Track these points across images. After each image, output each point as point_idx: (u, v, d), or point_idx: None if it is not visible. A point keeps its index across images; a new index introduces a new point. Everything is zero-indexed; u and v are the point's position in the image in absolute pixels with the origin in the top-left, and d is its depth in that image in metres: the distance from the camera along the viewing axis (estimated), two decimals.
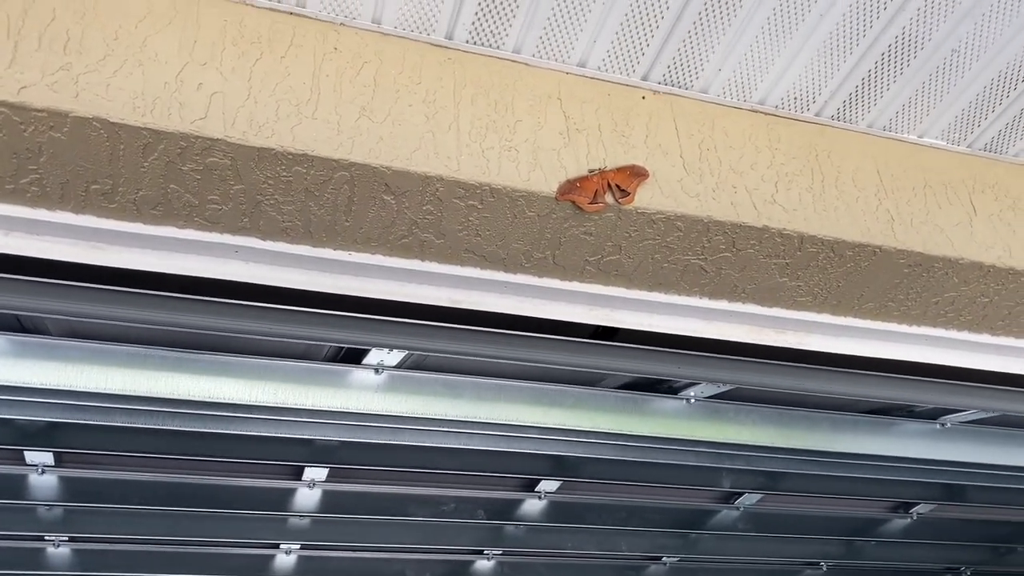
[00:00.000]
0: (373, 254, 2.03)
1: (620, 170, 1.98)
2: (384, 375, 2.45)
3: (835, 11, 2.04)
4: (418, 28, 1.99)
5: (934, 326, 2.50)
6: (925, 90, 2.28)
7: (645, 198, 2.00)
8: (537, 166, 1.94)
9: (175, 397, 2.28)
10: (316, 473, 3.19)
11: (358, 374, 2.46)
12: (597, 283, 2.20)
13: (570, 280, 2.18)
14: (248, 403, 2.35)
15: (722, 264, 2.18)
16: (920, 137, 2.40)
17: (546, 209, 1.96)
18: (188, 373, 2.28)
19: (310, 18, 1.93)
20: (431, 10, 1.96)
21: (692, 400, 2.76)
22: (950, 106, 2.33)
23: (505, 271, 2.12)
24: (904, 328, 2.48)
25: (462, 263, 2.08)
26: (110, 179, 1.77)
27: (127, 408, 2.42)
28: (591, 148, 2.02)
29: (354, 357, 2.49)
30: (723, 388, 2.67)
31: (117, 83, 1.69)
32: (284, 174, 1.80)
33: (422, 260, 2.06)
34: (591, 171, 1.97)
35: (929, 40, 2.14)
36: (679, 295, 2.27)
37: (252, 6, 1.89)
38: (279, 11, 1.91)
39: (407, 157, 1.83)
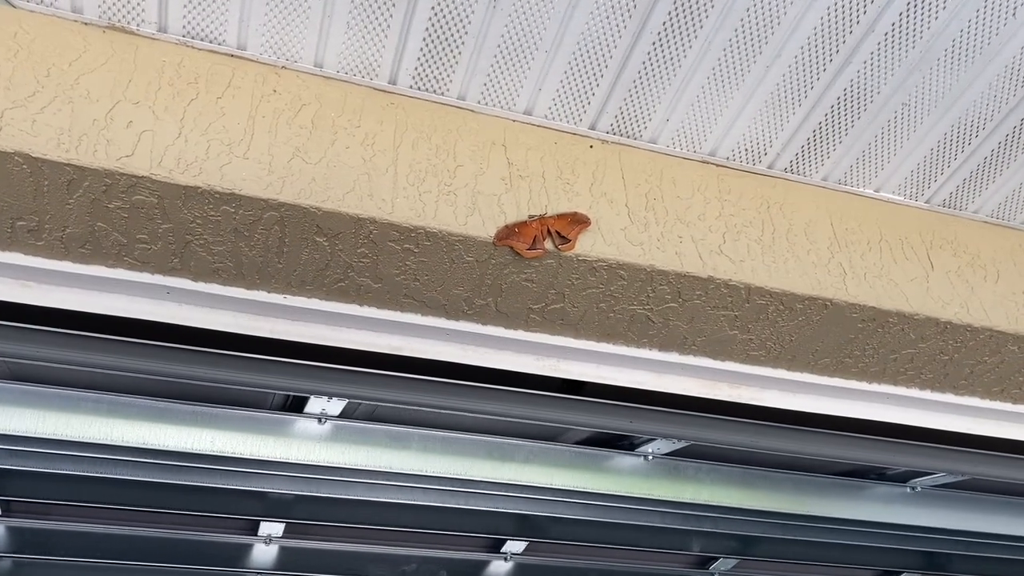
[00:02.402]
0: (309, 298, 2.00)
1: (561, 216, 1.96)
2: (328, 425, 2.39)
3: (781, 62, 2.04)
4: (361, 72, 1.99)
5: (895, 384, 2.44)
6: (878, 144, 2.26)
7: (587, 245, 1.97)
8: (475, 210, 1.91)
9: (107, 443, 2.23)
10: (272, 528, 3.10)
11: (301, 423, 2.40)
12: (543, 332, 2.16)
13: (515, 328, 2.14)
14: (185, 451, 2.29)
15: (669, 315, 2.13)
16: (876, 191, 2.38)
17: (484, 254, 1.93)
18: (122, 418, 2.22)
19: (251, 60, 1.93)
20: (373, 55, 1.96)
21: (650, 457, 2.69)
22: (904, 160, 2.31)
23: (447, 318, 2.09)
24: (864, 386, 2.42)
25: (401, 308, 2.05)
26: (36, 216, 1.75)
27: (65, 454, 2.36)
28: (533, 195, 2.00)
29: (298, 406, 2.44)
30: (679, 444, 2.60)
31: (44, 119, 1.68)
32: (212, 213, 1.77)
33: (360, 305, 2.03)
34: (531, 217, 1.94)
35: (878, 93, 2.13)
36: (628, 346, 2.22)
37: (192, 48, 1.89)
38: (219, 53, 1.91)
39: (339, 198, 1.81)
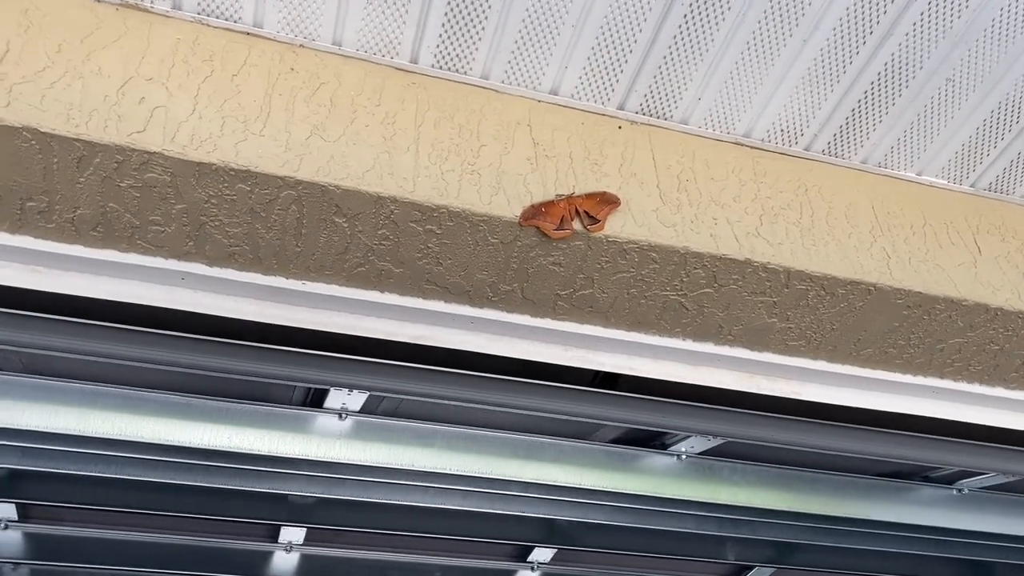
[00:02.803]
0: (328, 284, 1.92)
1: (589, 196, 1.87)
2: (349, 421, 2.31)
3: (817, 37, 1.95)
4: (381, 51, 1.92)
5: (941, 376, 2.32)
6: (920, 124, 2.16)
7: (616, 226, 1.88)
8: (500, 190, 1.83)
9: (123, 439, 2.16)
10: (293, 535, 3.01)
11: (321, 419, 2.32)
12: (571, 320, 2.07)
13: (542, 316, 2.05)
14: (203, 447, 2.21)
15: (704, 301, 2.04)
16: (919, 175, 2.28)
17: (510, 236, 1.85)
18: (138, 413, 2.15)
19: (268, 39, 1.87)
20: (393, 33, 1.90)
21: (683, 456, 2.58)
22: (948, 141, 2.20)
23: (471, 305, 2.00)
24: (909, 378, 2.31)
25: (424, 295, 1.97)
26: (45, 196, 1.69)
27: (80, 452, 2.28)
28: (560, 175, 1.92)
29: (318, 401, 2.36)
30: (713, 442, 2.48)
31: (54, 94, 1.62)
32: (227, 192, 1.71)
33: (381, 291, 1.95)
34: (558, 196, 1.86)
35: (920, 68, 2.03)
36: (660, 335, 2.13)
37: (208, 26, 1.84)
38: (235, 31, 1.85)
39: (359, 176, 1.74)
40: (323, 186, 1.71)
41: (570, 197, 1.85)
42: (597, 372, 2.44)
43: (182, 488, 2.58)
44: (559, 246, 1.88)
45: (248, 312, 1.93)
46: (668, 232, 1.92)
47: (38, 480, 2.59)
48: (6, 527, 2.88)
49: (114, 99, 1.66)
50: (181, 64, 1.76)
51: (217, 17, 1.84)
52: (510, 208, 1.82)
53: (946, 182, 2.30)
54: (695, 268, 1.96)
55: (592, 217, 1.85)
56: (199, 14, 1.83)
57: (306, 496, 2.60)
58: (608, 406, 2.22)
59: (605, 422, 2.30)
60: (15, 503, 2.78)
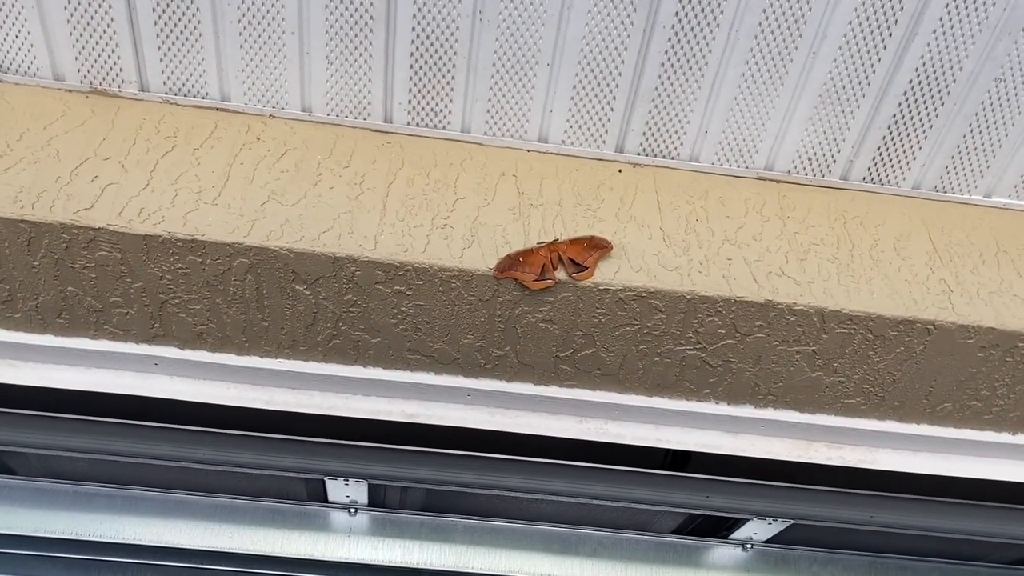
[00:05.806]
0: (305, 361, 1.79)
1: (575, 242, 1.68)
2: (360, 516, 2.12)
3: (828, 44, 1.73)
4: (353, 114, 1.84)
5: None
6: (974, 136, 1.87)
7: (608, 273, 1.67)
8: (474, 242, 1.67)
9: (121, 542, 2.04)
10: None
11: (329, 516, 2.13)
12: (580, 387, 1.85)
13: (546, 383, 1.84)
14: (204, 549, 2.07)
15: (728, 355, 1.77)
16: (987, 197, 1.97)
17: (488, 292, 1.67)
18: (134, 515, 2.04)
19: (236, 112, 1.83)
20: (361, 94, 1.81)
21: (749, 546, 2.22)
22: (1014, 154, 1.89)
23: (464, 375, 1.82)
24: (1007, 438, 1.93)
25: (410, 367, 1.80)
26: (5, 283, 1.66)
27: (75, 558, 2.16)
28: (546, 223, 1.74)
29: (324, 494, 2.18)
30: (779, 526, 2.13)
31: (5, 180, 1.60)
32: (180, 265, 1.62)
33: (363, 366, 1.80)
34: (539, 244, 1.67)
35: (960, 69, 1.76)
36: (687, 399, 1.87)
37: (175, 104, 1.81)
38: (203, 107, 1.82)
39: (314, 238, 1.62)
40: (275, 251, 1.60)
41: (552, 244, 1.67)
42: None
43: None
44: (545, 300, 1.68)
45: (227, 397, 1.82)
46: (671, 276, 1.69)
47: None
48: None
49: (66, 179, 1.63)
50: (143, 142, 1.73)
51: (185, 95, 1.82)
52: (484, 261, 1.65)
53: (1023, 203, 1.97)
54: (708, 315, 1.71)
55: (578, 264, 1.65)
56: (167, 94, 1.81)
57: None
58: (637, 485, 1.94)
59: (631, 505, 2.00)
60: None
